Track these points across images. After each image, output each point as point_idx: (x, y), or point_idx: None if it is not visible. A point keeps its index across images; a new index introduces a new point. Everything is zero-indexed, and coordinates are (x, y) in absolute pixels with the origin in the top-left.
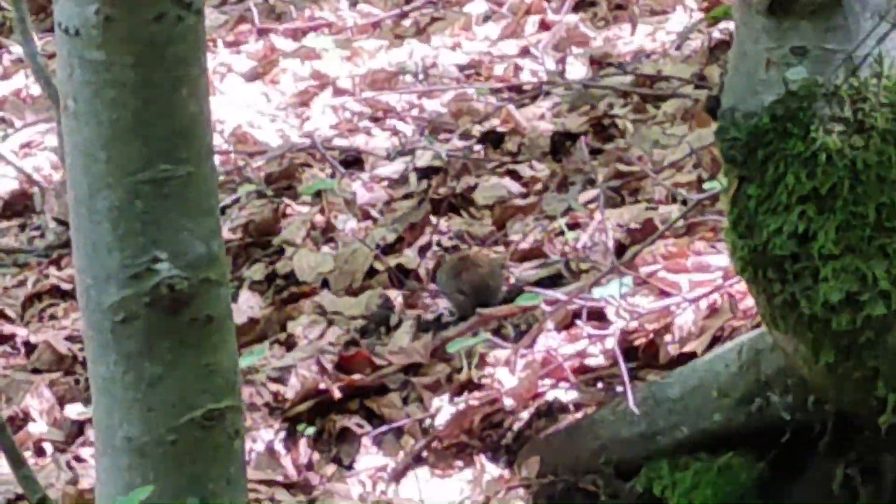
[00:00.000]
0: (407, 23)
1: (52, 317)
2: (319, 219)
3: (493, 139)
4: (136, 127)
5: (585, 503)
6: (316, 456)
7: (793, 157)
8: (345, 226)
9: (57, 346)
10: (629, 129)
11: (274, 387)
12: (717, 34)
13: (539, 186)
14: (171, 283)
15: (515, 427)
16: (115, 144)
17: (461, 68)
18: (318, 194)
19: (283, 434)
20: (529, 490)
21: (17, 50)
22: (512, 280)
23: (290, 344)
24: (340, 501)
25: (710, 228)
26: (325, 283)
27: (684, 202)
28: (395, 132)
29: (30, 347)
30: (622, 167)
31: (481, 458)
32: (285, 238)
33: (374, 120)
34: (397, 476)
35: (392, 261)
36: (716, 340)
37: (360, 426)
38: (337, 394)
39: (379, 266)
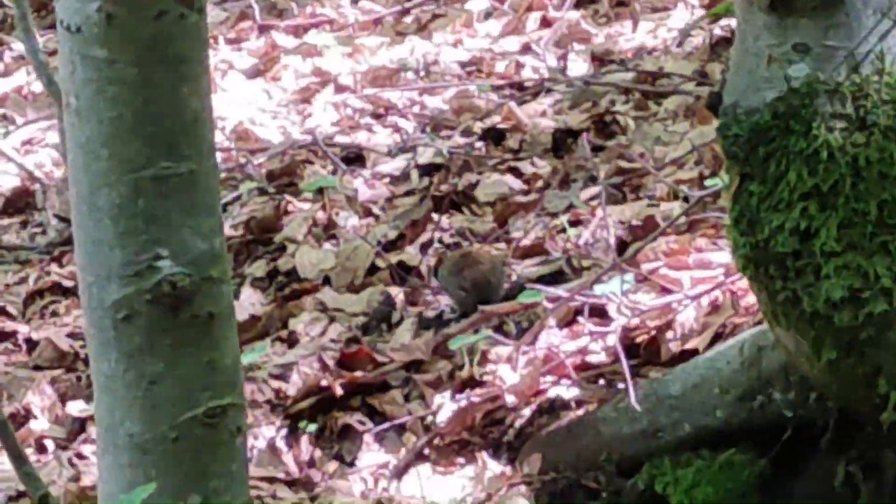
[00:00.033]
0: (408, 19)
1: (54, 314)
2: (321, 216)
3: (494, 136)
4: (138, 124)
5: (587, 500)
6: (318, 453)
7: (795, 153)
8: (346, 223)
9: (58, 343)
10: (631, 125)
11: (276, 384)
12: (718, 31)
13: (540, 183)
14: (173, 280)
15: (517, 424)
16: (117, 142)
17: (462, 65)
18: (319, 191)
19: (284, 431)
20: (531, 487)
21: (19, 47)
22: (513, 277)
23: (291, 341)
24: (342, 498)
25: (712, 225)
26: (326, 280)
27: (686, 199)
28: (397, 129)
29: (31, 344)
30: (624, 164)
31: (483, 455)
32: (287, 235)
33: (376, 117)
34: (399, 473)
35: (393, 258)
36: (717, 337)
37: (362, 423)
38: (339, 391)
39: (380, 263)
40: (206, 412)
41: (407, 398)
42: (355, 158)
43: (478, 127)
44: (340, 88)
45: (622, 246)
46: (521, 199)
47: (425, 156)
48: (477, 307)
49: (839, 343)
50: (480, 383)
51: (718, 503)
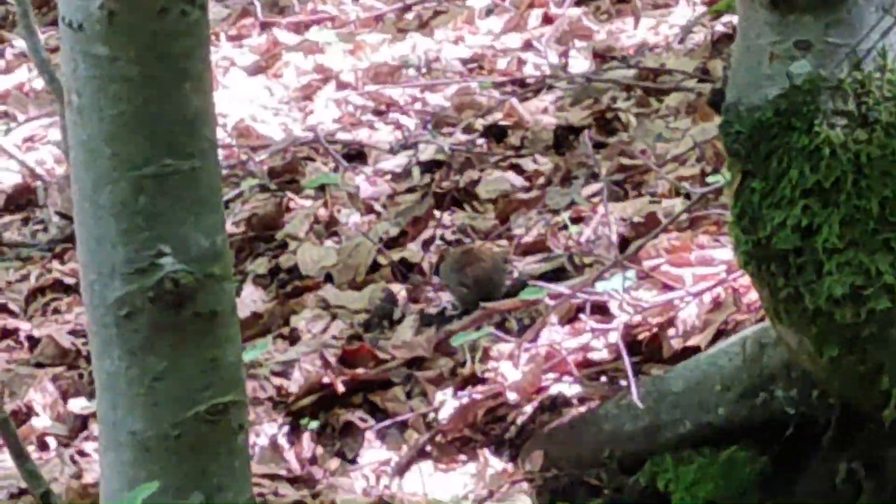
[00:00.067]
0: (410, 16)
1: (56, 311)
2: (323, 213)
3: (496, 133)
4: (140, 122)
5: (589, 497)
6: (319, 450)
7: (796, 150)
8: (348, 220)
9: (60, 340)
10: (632, 122)
11: (277, 381)
12: (720, 28)
13: (542, 180)
14: (176, 277)
15: (519, 421)
16: (119, 139)
17: (464, 62)
18: (321, 188)
19: (286, 428)
20: (533, 484)
21: (20, 44)
22: (515, 274)
23: (293, 338)
24: (344, 496)
25: (714, 222)
26: (328, 277)
27: (688, 196)
28: (398, 126)
29: (33, 342)
30: (625, 161)
31: (485, 452)
32: (288, 232)
33: (377, 114)
34: (401, 470)
35: (395, 255)
36: (719, 334)
37: (364, 420)
38: (340, 388)
39: (382, 260)
40: (208, 409)
41: (409, 395)
42: (357, 155)
43: (479, 124)
44: (342, 85)
45: (624, 243)
46: (522, 195)
47: (427, 153)
48: (479, 304)
49: (841, 340)
50: (482, 380)
51: (720, 500)
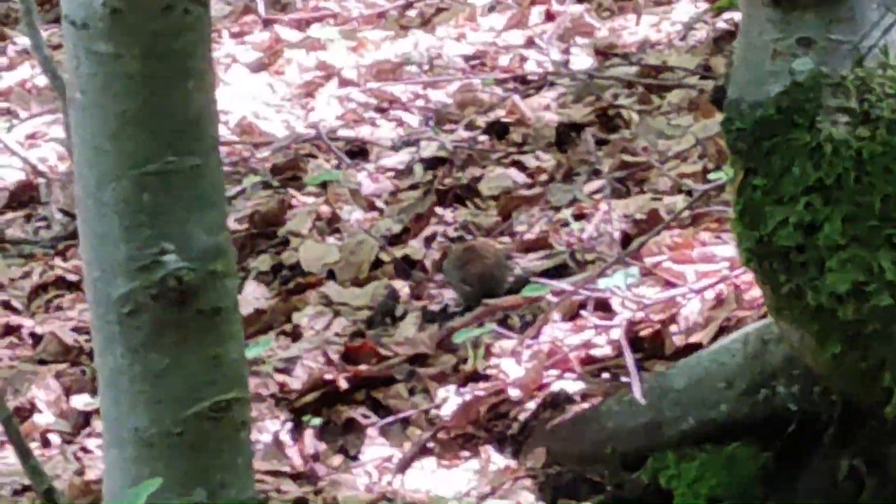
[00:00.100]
0: (412, 13)
1: (59, 308)
2: (325, 209)
3: (498, 130)
4: (144, 119)
5: (591, 494)
6: (322, 447)
7: (799, 147)
8: (350, 217)
9: (63, 337)
10: (634, 119)
11: (280, 378)
12: (721, 24)
13: (544, 177)
14: (179, 275)
15: (521, 417)
16: (122, 137)
17: (466, 59)
18: (323, 185)
19: (289, 425)
20: (535, 480)
21: (22, 41)
22: (517, 271)
23: (295, 335)
24: (347, 492)
25: (716, 219)
26: (330, 274)
27: (689, 193)
28: (401, 123)
29: (36, 338)
30: (627, 158)
31: (487, 449)
32: (291, 229)
33: (380, 110)
34: (403, 467)
35: (398, 252)
36: (721, 331)
37: (367, 417)
38: (343, 385)
39: (385, 257)
40: (211, 406)
41: (411, 392)
42: (359, 152)
43: (481, 121)
44: (344, 82)
45: (626, 240)
46: (524, 192)
47: (429, 149)
48: (481, 301)
49: (843, 337)
50: (485, 377)
51: (722, 497)
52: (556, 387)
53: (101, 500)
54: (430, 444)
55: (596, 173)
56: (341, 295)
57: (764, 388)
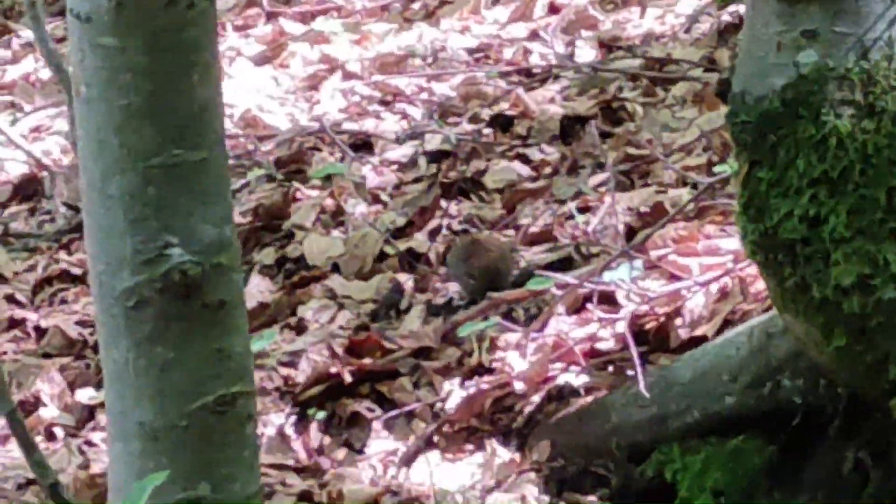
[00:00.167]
0: (416, 6)
1: (63, 301)
2: (329, 203)
3: (502, 123)
4: (149, 112)
5: (596, 487)
6: (327, 440)
7: (803, 140)
8: (355, 210)
9: (67, 330)
10: (639, 112)
11: (284, 371)
12: (726, 17)
13: (549, 170)
14: (184, 268)
15: (526, 411)
16: (128, 130)
17: (470, 52)
18: (327, 178)
19: (293, 418)
20: (540, 474)
21: (26, 34)
22: (522, 264)
23: (300, 328)
24: (351, 486)
25: (721, 212)
26: (335, 268)
27: (694, 185)
28: (405, 116)
29: (40, 332)
30: (632, 150)
31: (492, 442)
32: (295, 222)
33: (384, 104)
34: (408, 460)
35: (402, 245)
36: (726, 324)
37: (371, 410)
38: (347, 378)
39: (389, 250)
40: (216, 400)
41: (416, 385)
42: (363, 145)
43: (486, 114)
44: (348, 75)
45: (631, 233)
46: (529, 185)
47: (433, 142)
48: (486, 294)
49: (848, 330)
50: (489, 370)
51: (727, 490)
52: (560, 380)
53: (105, 493)
54: (435, 438)
55: (600, 166)
56: (346, 288)
57: (769, 381)
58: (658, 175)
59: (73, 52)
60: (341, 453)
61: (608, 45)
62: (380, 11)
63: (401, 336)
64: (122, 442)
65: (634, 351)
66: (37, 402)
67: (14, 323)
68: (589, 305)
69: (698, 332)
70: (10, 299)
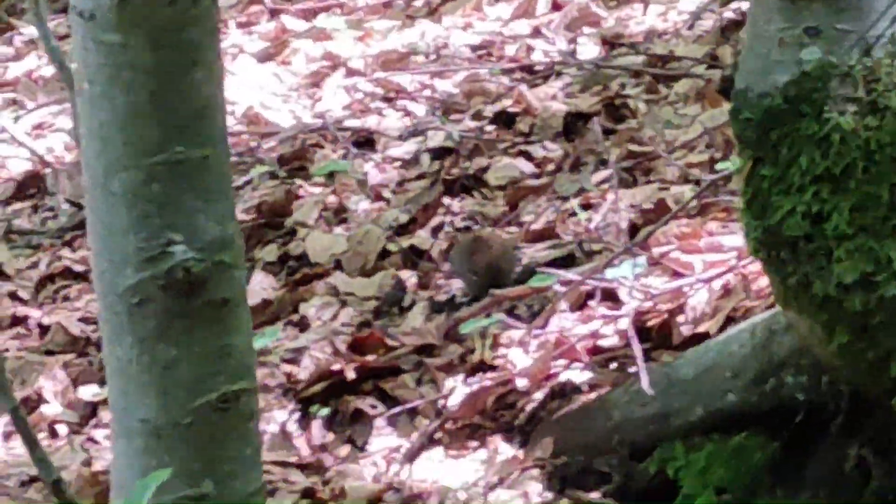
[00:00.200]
0: (419, 3)
1: (66, 298)
2: (332, 200)
3: (505, 119)
4: (152, 109)
5: (598, 484)
6: (329, 437)
7: (806, 137)
8: (357, 207)
9: (70, 327)
10: (641, 109)
11: (287, 368)
12: (729, 14)
13: (552, 167)
14: (187, 265)
15: (529, 408)
16: (131, 127)
17: (473, 49)
18: (330, 175)
19: (296, 415)
20: (543, 470)
21: (29, 31)
22: (525, 261)
23: (303, 325)
24: (354, 482)
25: (724, 209)
26: (337, 265)
27: (697, 182)
28: (407, 113)
29: (43, 329)
30: (635, 147)
31: (495, 439)
32: (298, 219)
33: (386, 100)
34: (411, 457)
35: (405, 242)
36: (729, 321)
37: (374, 407)
38: (350, 375)
39: (392, 247)
40: (219, 397)
41: (419, 382)
42: (366, 142)
43: (488, 110)
44: (351, 72)
45: (633, 229)
46: (532, 182)
47: (436, 139)
48: (488, 291)
49: (851, 327)
50: (492, 367)
51: (730, 487)
52: (563, 377)
53: (108, 490)
54: (438, 435)
55: (603, 163)
56: (348, 285)
57: (772, 378)
58: (661, 172)
59: (75, 49)
60: (344, 450)
61: (611, 42)
62: (382, 8)
63: (403, 333)
64: (124, 439)
65: (637, 348)
66: (40, 399)
67: (17, 320)
68: (591, 302)
69: (701, 328)
70: (13, 296)
